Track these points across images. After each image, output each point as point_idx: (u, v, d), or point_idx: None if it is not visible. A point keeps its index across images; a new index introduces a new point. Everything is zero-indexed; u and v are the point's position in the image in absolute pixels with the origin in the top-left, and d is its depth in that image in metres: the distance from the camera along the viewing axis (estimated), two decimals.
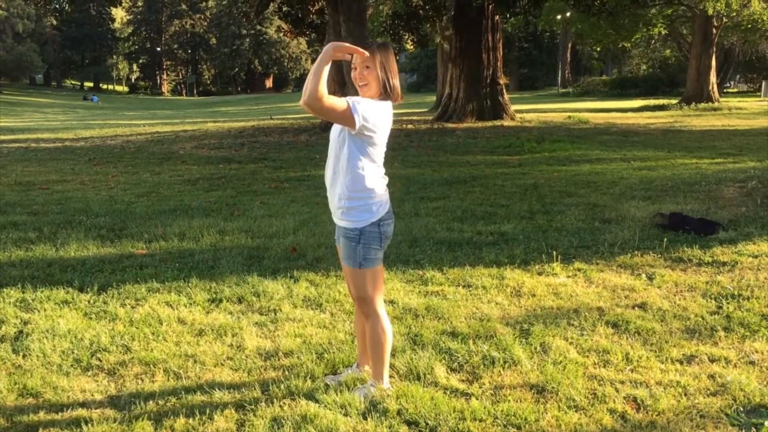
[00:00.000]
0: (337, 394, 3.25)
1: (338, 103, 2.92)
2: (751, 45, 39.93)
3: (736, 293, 4.76)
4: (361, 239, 3.12)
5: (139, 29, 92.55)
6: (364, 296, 3.22)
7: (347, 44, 2.98)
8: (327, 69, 2.88)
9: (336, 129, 3.16)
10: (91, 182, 10.66)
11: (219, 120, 28.60)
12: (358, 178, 3.07)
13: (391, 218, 3.24)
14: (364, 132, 2.99)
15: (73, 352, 3.84)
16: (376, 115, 3.02)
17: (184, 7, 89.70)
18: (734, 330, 4.10)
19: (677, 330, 4.12)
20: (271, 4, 23.63)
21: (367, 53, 3.02)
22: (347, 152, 3.07)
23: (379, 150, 3.12)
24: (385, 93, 3.11)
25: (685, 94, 32.79)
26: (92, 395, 3.36)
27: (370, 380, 3.35)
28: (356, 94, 3.14)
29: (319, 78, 2.84)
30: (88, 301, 4.72)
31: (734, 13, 28.95)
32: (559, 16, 31.86)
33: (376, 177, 3.12)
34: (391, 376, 3.44)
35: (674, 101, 32.01)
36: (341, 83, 18.38)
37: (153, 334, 4.12)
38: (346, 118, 2.94)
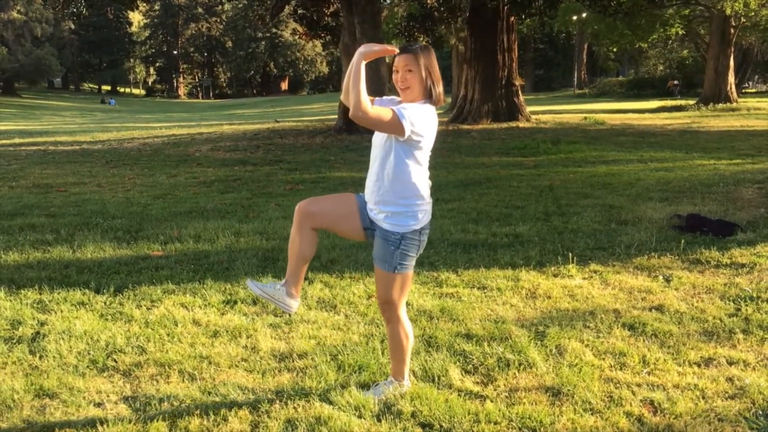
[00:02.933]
0: (351, 396, 3.24)
1: (384, 113, 2.88)
2: None
3: (754, 295, 4.70)
4: (401, 245, 3.08)
5: (156, 33, 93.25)
6: (389, 300, 3.19)
7: (376, 46, 2.94)
8: (363, 78, 2.85)
9: (380, 136, 3.10)
10: (107, 184, 10.74)
11: (234, 122, 28.73)
12: (406, 184, 3.04)
13: (430, 227, 3.22)
14: (413, 137, 2.96)
15: (89, 353, 3.86)
16: (424, 120, 2.98)
17: (200, 10, 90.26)
18: (753, 332, 4.05)
19: (695, 332, 4.08)
20: (287, 7, 23.74)
21: (396, 50, 2.98)
22: (394, 159, 3.02)
23: (425, 154, 3.08)
24: (429, 97, 3.06)
25: (702, 94, 32.52)
26: (108, 396, 3.37)
27: (388, 378, 3.35)
28: (397, 94, 3.12)
29: (359, 90, 2.81)
30: (104, 303, 4.75)
31: (752, 13, 28.70)
32: (575, 17, 31.70)
33: (423, 182, 3.09)
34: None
35: (692, 102, 31.75)
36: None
37: (168, 335, 4.13)
38: (395, 126, 2.90)
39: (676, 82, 46.43)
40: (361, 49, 2.93)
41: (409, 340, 3.28)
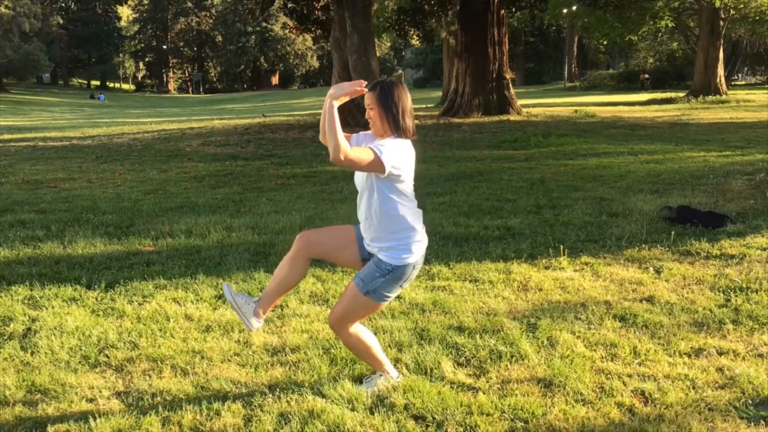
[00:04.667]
0: (343, 389, 3.25)
1: (364, 154, 2.86)
2: (759, 37, 39.74)
3: (744, 286, 4.73)
4: (389, 275, 3.04)
5: (146, 27, 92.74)
6: (343, 321, 3.15)
7: (345, 86, 2.91)
8: (337, 120, 2.83)
9: (361, 176, 3.09)
10: (98, 180, 10.70)
11: (225, 117, 28.63)
12: (395, 219, 3.03)
13: (422, 262, 3.19)
14: (393, 173, 2.94)
15: (80, 349, 3.85)
16: (400, 155, 2.96)
17: (189, 4, 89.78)
18: (742, 323, 4.08)
19: (685, 323, 4.10)
20: (277, 1, 23.67)
21: (363, 86, 2.94)
22: (378, 196, 3.02)
23: (408, 186, 3.07)
24: (396, 131, 3.02)
25: (692, 87, 32.64)
26: (100, 391, 3.37)
27: (377, 372, 3.36)
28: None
29: (335, 134, 2.79)
30: (96, 298, 4.73)
31: (741, 5, 28.81)
32: (565, 10, 31.73)
33: (411, 213, 3.08)
34: (399, 371, 3.44)
35: (682, 94, 31.86)
36: (347, 79, 18.38)
37: (160, 330, 4.13)
38: (375, 165, 2.88)
39: (647, 76, 48.02)
40: (331, 90, 2.91)
41: (368, 341, 3.25)
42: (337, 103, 2.89)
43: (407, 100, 3.06)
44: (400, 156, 2.96)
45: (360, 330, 3.24)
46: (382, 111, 3.01)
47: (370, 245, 3.12)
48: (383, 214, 3.03)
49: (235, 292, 3.26)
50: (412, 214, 3.08)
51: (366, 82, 3.00)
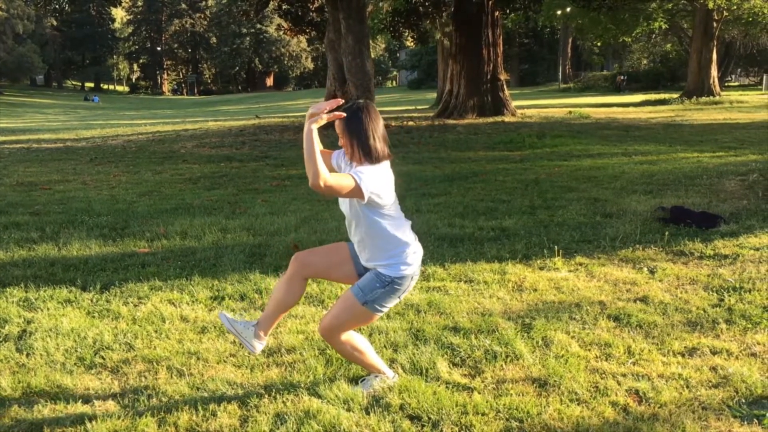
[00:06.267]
0: (339, 390, 3.26)
1: (344, 181, 2.83)
2: (752, 38, 39.95)
3: (737, 286, 4.76)
4: (389, 287, 3.05)
5: (140, 29, 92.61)
6: (336, 329, 3.14)
7: (323, 106, 2.86)
8: (317, 146, 2.82)
9: (345, 203, 3.09)
10: (92, 182, 10.68)
11: (220, 119, 28.61)
12: (388, 239, 3.04)
13: (419, 272, 3.21)
14: (374, 199, 2.93)
15: (76, 351, 3.85)
16: (378, 180, 2.93)
17: (183, 6, 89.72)
18: (736, 322, 4.10)
19: (679, 323, 4.12)
20: (271, 3, 23.64)
21: (343, 114, 2.91)
22: (366, 222, 3.02)
23: (393, 205, 3.07)
24: (367, 158, 2.97)
25: (686, 88, 32.74)
26: (96, 393, 3.37)
27: (372, 373, 3.37)
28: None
29: (315, 161, 2.76)
30: (91, 300, 4.73)
31: (735, 7, 28.93)
32: (559, 12, 31.85)
33: (402, 229, 3.09)
34: (395, 371, 3.45)
35: (675, 95, 31.96)
36: (342, 81, 18.39)
37: (156, 331, 4.13)
38: (355, 192, 2.86)
39: (623, 77, 48.50)
40: (309, 110, 2.89)
41: (362, 346, 3.26)
42: (315, 127, 2.85)
43: (378, 122, 3.01)
44: (378, 181, 2.93)
45: (353, 337, 3.23)
46: (351, 139, 2.97)
47: (367, 263, 3.14)
48: (375, 237, 3.04)
49: (232, 318, 3.31)
50: (402, 231, 3.09)
51: (343, 101, 2.97)
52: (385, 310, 3.14)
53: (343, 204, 3.13)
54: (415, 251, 3.12)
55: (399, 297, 3.12)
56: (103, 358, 3.76)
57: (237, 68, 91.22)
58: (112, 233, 6.78)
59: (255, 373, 3.55)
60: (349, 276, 3.25)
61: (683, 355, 3.66)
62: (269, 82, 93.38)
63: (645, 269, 5.23)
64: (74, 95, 70.45)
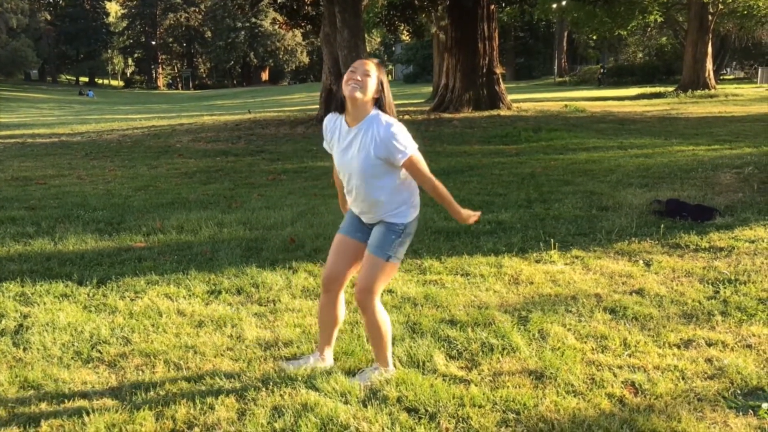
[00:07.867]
0: (336, 383, 3.27)
1: (424, 166, 3.14)
2: (747, 31, 39.97)
3: (733, 278, 4.78)
4: (403, 233, 3.19)
5: (134, 23, 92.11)
6: (371, 288, 3.20)
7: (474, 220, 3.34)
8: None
9: (356, 164, 3.11)
10: (88, 177, 10.66)
11: (215, 113, 28.54)
12: (401, 191, 3.18)
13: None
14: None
15: (73, 345, 3.85)
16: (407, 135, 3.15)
17: (178, 0, 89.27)
18: (731, 314, 4.12)
19: (674, 315, 4.14)
20: None
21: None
22: (386, 177, 3.12)
23: None
24: (379, 106, 3.16)
25: (681, 81, 32.75)
26: (93, 387, 3.37)
27: (373, 365, 3.38)
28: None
29: (441, 193, 3.19)
30: (88, 294, 4.73)
31: (730, 0, 28.92)
32: (554, 5, 31.76)
33: (407, 180, 3.20)
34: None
35: (671, 89, 31.97)
36: (337, 75, 18.35)
37: (153, 326, 4.13)
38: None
39: (602, 70, 48.53)
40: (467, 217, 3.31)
41: (387, 326, 3.32)
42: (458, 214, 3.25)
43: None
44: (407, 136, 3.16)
45: (383, 311, 3.32)
46: (378, 84, 3.14)
47: (375, 218, 3.24)
48: (393, 194, 3.16)
49: (293, 362, 3.51)
50: (408, 180, 3.21)
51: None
52: (403, 255, 3.28)
53: (351, 166, 3.14)
54: (417, 193, 3.29)
55: (412, 236, 3.28)
56: (100, 353, 3.76)
57: (232, 63, 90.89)
58: (108, 228, 6.78)
59: (252, 366, 3.56)
60: (362, 254, 3.32)
61: (679, 347, 3.68)
62: (264, 76, 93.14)
63: (641, 262, 5.25)
64: (69, 90, 70.15)
